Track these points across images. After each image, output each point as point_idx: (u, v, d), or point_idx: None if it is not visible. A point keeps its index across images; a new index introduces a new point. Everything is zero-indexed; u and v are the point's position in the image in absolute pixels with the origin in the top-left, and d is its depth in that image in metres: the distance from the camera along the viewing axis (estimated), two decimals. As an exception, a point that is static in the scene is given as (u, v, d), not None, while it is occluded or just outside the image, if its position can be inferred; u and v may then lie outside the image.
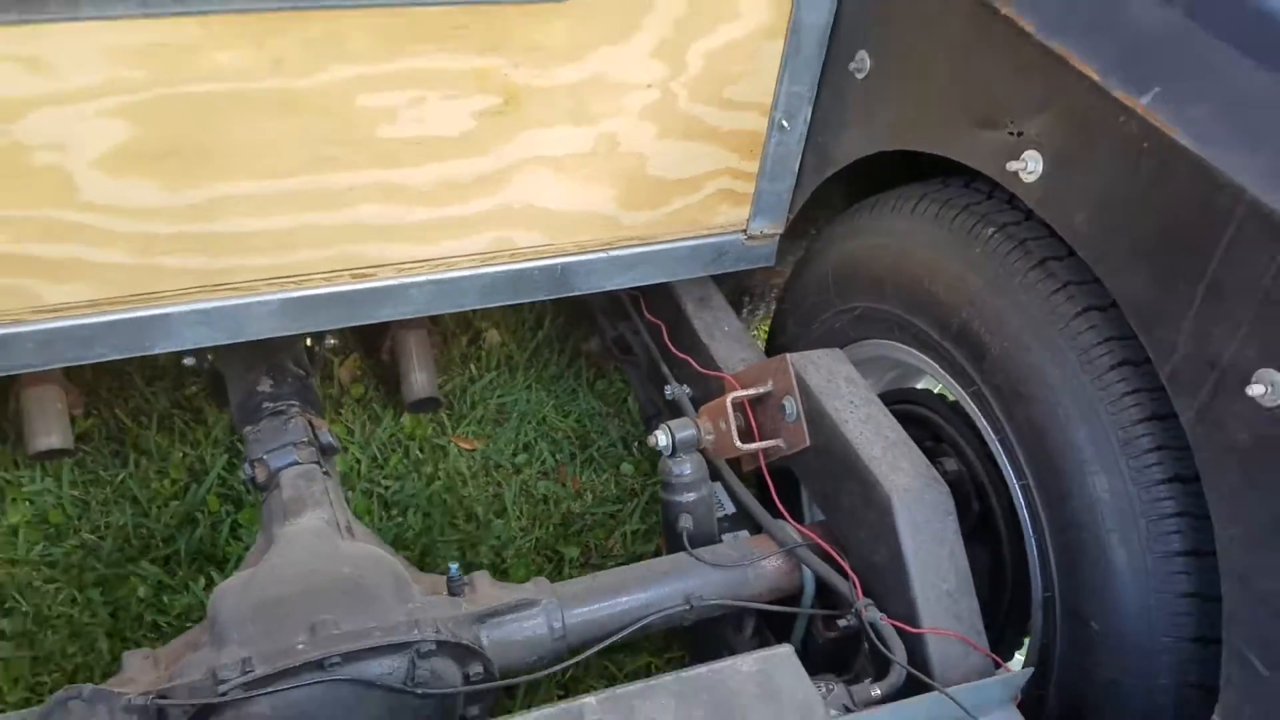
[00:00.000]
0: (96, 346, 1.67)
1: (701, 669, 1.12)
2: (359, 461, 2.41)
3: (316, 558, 1.56)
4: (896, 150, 1.73)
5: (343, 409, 2.51)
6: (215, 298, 1.71)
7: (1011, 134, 1.47)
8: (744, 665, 1.12)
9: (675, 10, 1.68)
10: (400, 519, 2.30)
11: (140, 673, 1.48)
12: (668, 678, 1.12)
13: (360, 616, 1.44)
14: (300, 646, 1.38)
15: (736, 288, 2.44)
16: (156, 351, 1.72)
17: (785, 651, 1.16)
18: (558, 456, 2.51)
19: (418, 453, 2.46)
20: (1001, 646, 1.71)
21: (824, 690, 1.42)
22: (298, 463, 1.78)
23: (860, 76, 1.75)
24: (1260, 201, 1.16)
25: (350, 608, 1.45)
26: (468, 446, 2.49)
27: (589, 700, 1.07)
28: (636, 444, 2.54)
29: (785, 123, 1.87)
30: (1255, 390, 1.20)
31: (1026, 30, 1.41)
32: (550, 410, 2.58)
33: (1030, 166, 1.44)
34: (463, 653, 1.48)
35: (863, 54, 1.74)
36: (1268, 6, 1.27)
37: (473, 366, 2.65)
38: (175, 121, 1.51)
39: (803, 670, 1.14)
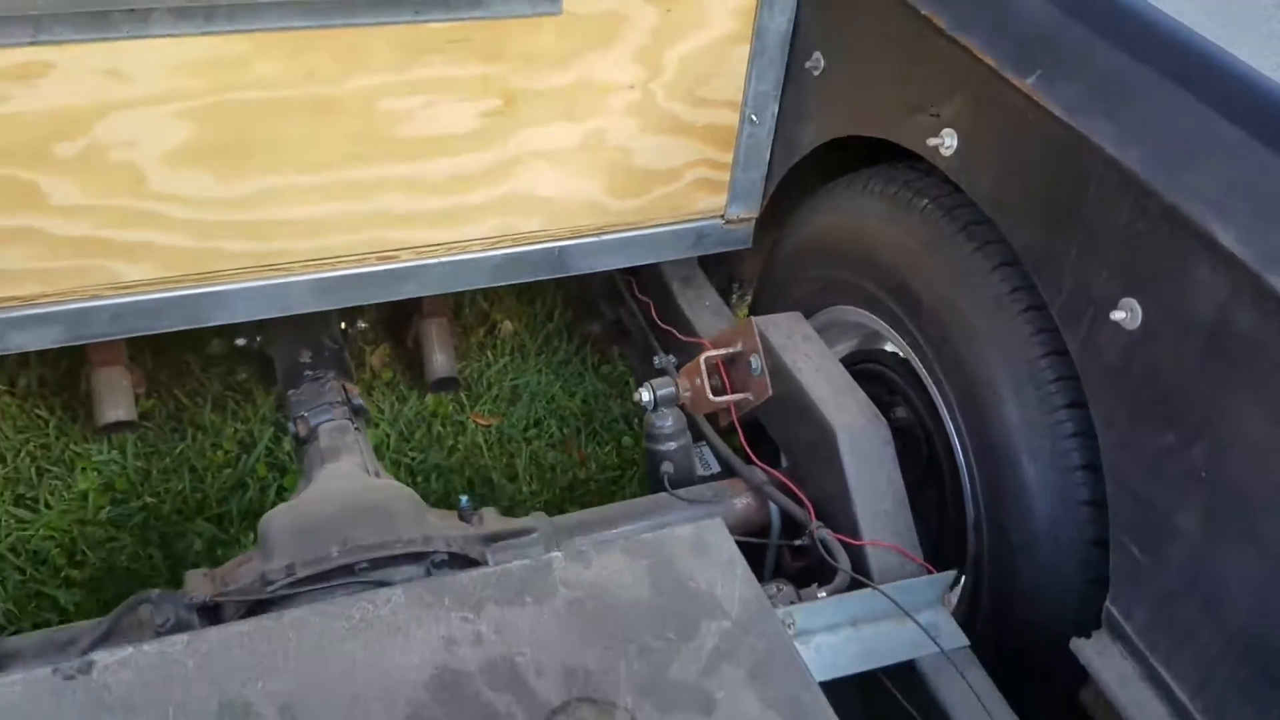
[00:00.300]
0: (163, 319, 1.95)
1: (646, 535, 1.38)
2: (388, 436, 2.68)
3: (349, 490, 1.83)
4: (851, 138, 1.99)
5: (374, 391, 2.79)
6: (263, 277, 1.98)
7: (933, 115, 1.72)
8: (680, 531, 1.37)
9: (650, 20, 1.95)
10: (424, 483, 2.57)
11: (199, 586, 1.74)
12: (618, 541, 1.37)
13: (384, 533, 1.70)
14: (334, 554, 1.65)
15: (728, 275, 2.69)
16: (213, 324, 2.00)
17: (715, 522, 1.41)
18: (565, 431, 2.77)
19: (440, 428, 2.73)
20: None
21: (774, 590, 1.68)
22: (333, 419, 2.05)
23: (816, 74, 2.02)
24: (1114, 158, 1.40)
25: (376, 527, 1.71)
26: (484, 423, 2.76)
27: (557, 555, 1.32)
28: (636, 420, 2.79)
29: (754, 117, 2.13)
30: (1118, 315, 1.44)
31: (940, 26, 1.67)
32: (558, 390, 2.85)
33: (947, 142, 1.69)
34: (470, 565, 1.73)
35: (817, 54, 2.00)
36: (1130, 4, 1.52)
37: (489, 353, 2.92)
38: (227, 123, 1.79)
39: (729, 535, 1.39)
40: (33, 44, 1.61)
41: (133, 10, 1.63)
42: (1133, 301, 1.42)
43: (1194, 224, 1.31)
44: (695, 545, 1.35)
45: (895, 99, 1.81)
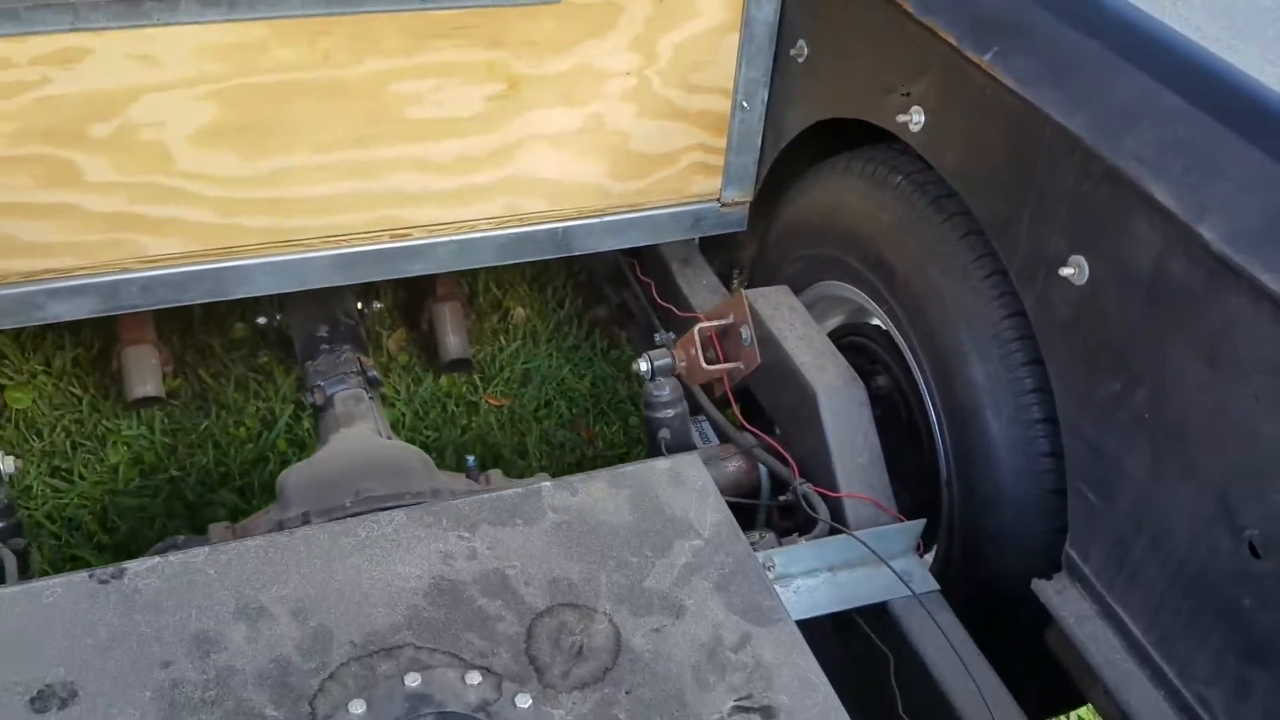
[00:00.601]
0: (189, 291, 2.09)
1: (627, 467, 1.49)
2: (404, 415, 2.81)
3: (362, 449, 1.96)
4: (835, 122, 2.10)
5: (390, 374, 2.92)
6: (282, 252, 2.12)
7: (903, 95, 1.84)
8: (659, 464, 1.49)
9: (645, 10, 2.08)
10: (437, 459, 2.68)
11: (221, 535, 1.87)
12: (603, 472, 1.49)
13: (395, 486, 1.82)
14: (347, 504, 1.77)
15: (728, 261, 2.81)
16: (236, 297, 2.14)
17: (691, 456, 1.52)
18: (574, 411, 2.89)
19: (454, 408, 2.85)
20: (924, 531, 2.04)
21: (757, 537, 1.79)
22: (348, 388, 2.19)
23: (801, 61, 2.14)
24: (1062, 124, 1.51)
25: (386, 480, 1.84)
26: (496, 403, 2.89)
27: (546, 484, 1.44)
28: (643, 401, 2.91)
29: (745, 103, 2.25)
30: (1067, 272, 1.54)
31: (908, 10, 1.78)
32: (568, 373, 2.97)
33: (915, 119, 1.80)
34: (473, 516, 1.85)
35: (801, 42, 2.12)
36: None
37: (502, 338, 3.05)
38: (249, 105, 1.93)
39: (704, 468, 1.50)
40: (72, 30, 1.76)
41: (162, -1, 1.77)
42: (1080, 259, 1.53)
43: (1132, 182, 1.42)
44: (672, 476, 1.47)
45: (871, 81, 1.93)
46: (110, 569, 1.30)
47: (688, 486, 1.45)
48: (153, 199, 1.97)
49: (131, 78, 1.84)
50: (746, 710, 1.18)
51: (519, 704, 1.18)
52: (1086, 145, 1.48)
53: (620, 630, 1.26)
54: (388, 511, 1.41)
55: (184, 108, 1.90)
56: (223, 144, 1.96)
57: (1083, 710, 2.38)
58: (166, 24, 1.80)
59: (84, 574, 1.28)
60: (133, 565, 1.29)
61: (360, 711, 1.16)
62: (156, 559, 1.30)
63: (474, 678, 1.20)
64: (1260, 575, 1.35)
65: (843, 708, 1.23)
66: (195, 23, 1.81)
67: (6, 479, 1.82)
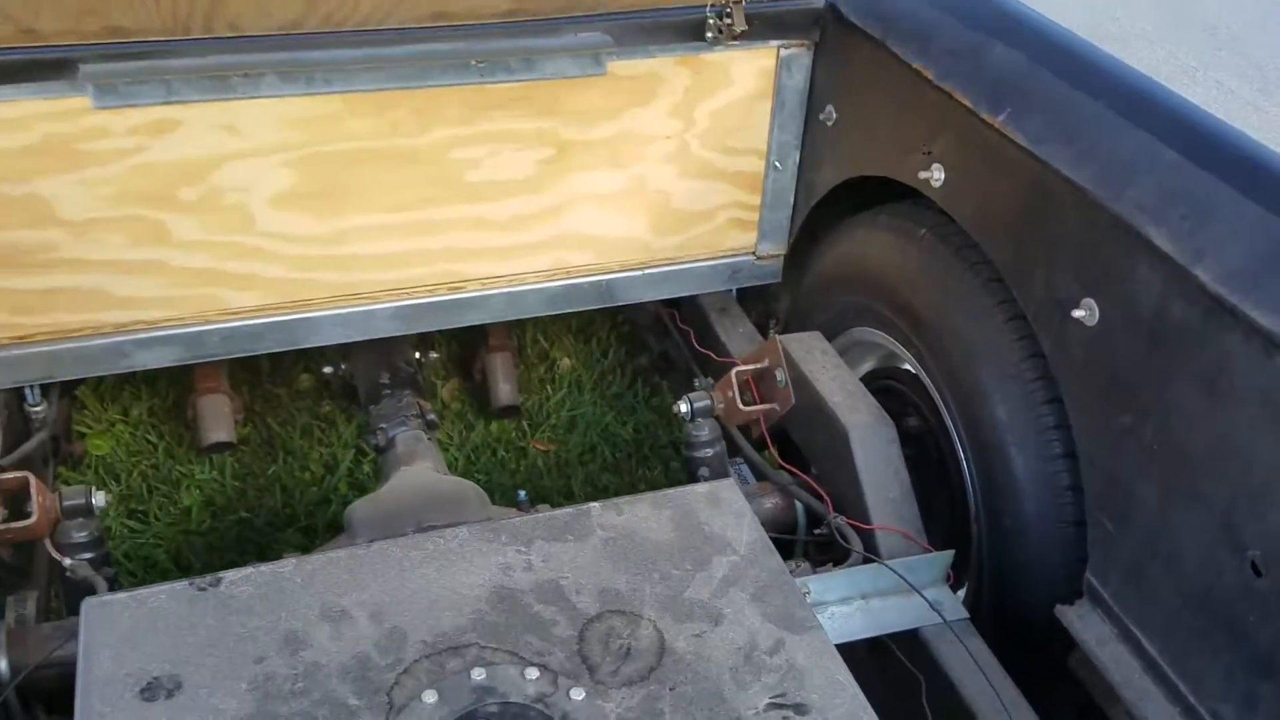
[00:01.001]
0: (264, 341, 2.26)
1: (669, 491, 1.63)
2: (456, 460, 2.96)
3: (422, 484, 2.11)
4: (862, 179, 2.25)
5: (444, 421, 3.07)
6: (350, 305, 2.29)
7: (925, 153, 1.98)
8: (699, 488, 1.62)
9: (684, 81, 2.25)
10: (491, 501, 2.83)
11: (294, 565, 2.02)
12: (647, 495, 1.63)
13: (454, 517, 1.96)
14: (409, 533, 1.91)
15: (765, 312, 2.95)
16: (306, 345, 2.31)
17: (729, 481, 1.65)
18: (617, 455, 3.02)
19: (503, 453, 3.00)
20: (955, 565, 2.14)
21: (793, 567, 1.90)
22: (408, 429, 2.34)
23: (829, 124, 2.29)
24: (1071, 179, 1.65)
25: (446, 512, 1.97)
26: (543, 448, 3.03)
27: (595, 505, 1.57)
28: (685, 446, 3.04)
29: (778, 164, 2.41)
30: (1079, 314, 1.67)
31: (928, 76, 1.93)
32: (611, 420, 3.11)
33: (936, 175, 1.95)
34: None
35: (830, 107, 2.28)
36: (1082, 49, 1.77)
37: (548, 387, 3.20)
38: (324, 171, 2.11)
39: (740, 492, 1.62)
40: (165, 103, 1.95)
41: (246, 75, 1.96)
42: (1091, 301, 1.65)
43: (1134, 229, 1.55)
44: (710, 499, 1.60)
45: (894, 141, 2.08)
46: (208, 578, 1.45)
47: (725, 508, 1.58)
48: (234, 256, 2.15)
49: (217, 147, 2.03)
50: (780, 707, 1.30)
51: (574, 696, 1.31)
52: (1093, 196, 1.61)
53: (664, 634, 1.39)
54: (452, 528, 1.56)
55: (264, 174, 2.08)
56: (299, 206, 2.13)
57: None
58: (249, 98, 1.99)
59: (184, 583, 1.43)
60: (228, 575, 1.44)
61: (433, 701, 1.29)
62: (249, 569, 1.45)
63: (532, 673, 1.33)
64: (1262, 592, 1.45)
65: (870, 707, 1.34)
66: (275, 97, 2.00)
67: (97, 511, 1.98)
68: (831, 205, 2.40)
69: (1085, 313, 1.66)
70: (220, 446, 2.72)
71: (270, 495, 2.82)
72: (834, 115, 2.27)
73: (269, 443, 2.97)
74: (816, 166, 2.37)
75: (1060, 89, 1.76)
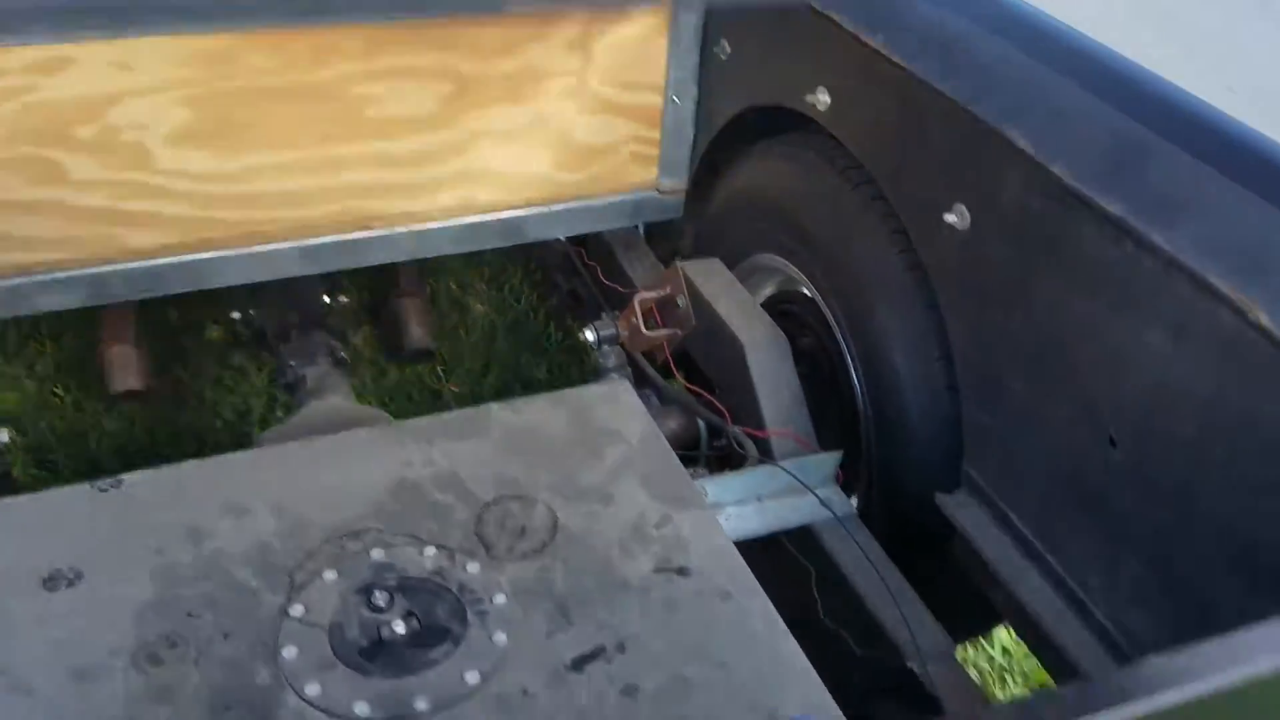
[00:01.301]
0: (168, 281, 2.26)
1: (566, 391, 1.70)
2: (370, 404, 2.99)
3: (332, 412, 2.14)
4: (756, 111, 2.33)
5: (357, 367, 3.10)
6: (254, 244, 2.30)
7: (811, 79, 2.06)
8: (595, 388, 1.71)
9: (581, 17, 2.30)
10: (404, 443, 2.87)
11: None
12: (544, 395, 1.70)
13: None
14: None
15: (672, 250, 3.02)
16: (213, 286, 2.32)
17: (623, 382, 1.73)
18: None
19: (416, 395, 3.04)
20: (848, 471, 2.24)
21: (691, 472, 1.98)
22: (318, 367, 2.37)
23: (724, 58, 2.36)
24: (941, 90, 1.74)
25: (355, 437, 2.02)
26: (456, 389, 3.08)
27: (494, 405, 1.64)
28: (590, 375, 3.11)
29: (676, 98, 2.47)
30: (950, 218, 1.77)
31: (814, 6, 2.02)
32: (526, 360, 3.17)
33: (822, 99, 2.03)
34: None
35: (724, 41, 2.35)
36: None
37: (462, 332, 3.25)
38: (222, 108, 2.12)
39: (633, 390, 1.70)
40: (57, 41, 1.95)
41: (139, 11, 1.96)
42: (961, 205, 1.75)
43: (998, 132, 1.65)
44: (605, 397, 1.68)
45: (784, 71, 2.16)
46: (109, 480, 1.48)
47: (619, 405, 1.66)
48: (134, 195, 2.15)
49: (111, 84, 2.02)
50: (664, 571, 1.38)
51: (469, 569, 1.38)
52: (961, 105, 1.71)
53: (557, 515, 1.47)
54: (354, 430, 1.61)
55: (160, 111, 2.08)
56: (197, 144, 2.14)
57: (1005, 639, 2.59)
58: (143, 34, 1.99)
59: (85, 485, 1.46)
60: (129, 476, 1.48)
61: (333, 578, 1.34)
62: (150, 470, 1.49)
63: (430, 551, 1.40)
64: (1119, 463, 1.57)
65: (748, 568, 1.43)
66: (169, 33, 2.00)
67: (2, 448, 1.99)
68: (730, 138, 2.48)
69: (956, 218, 1.76)
70: (131, 395, 2.71)
71: (182, 443, 2.83)
72: (727, 49, 2.34)
73: (179, 394, 2.97)
74: (713, 100, 2.44)
75: (932, 12, 1.86)
